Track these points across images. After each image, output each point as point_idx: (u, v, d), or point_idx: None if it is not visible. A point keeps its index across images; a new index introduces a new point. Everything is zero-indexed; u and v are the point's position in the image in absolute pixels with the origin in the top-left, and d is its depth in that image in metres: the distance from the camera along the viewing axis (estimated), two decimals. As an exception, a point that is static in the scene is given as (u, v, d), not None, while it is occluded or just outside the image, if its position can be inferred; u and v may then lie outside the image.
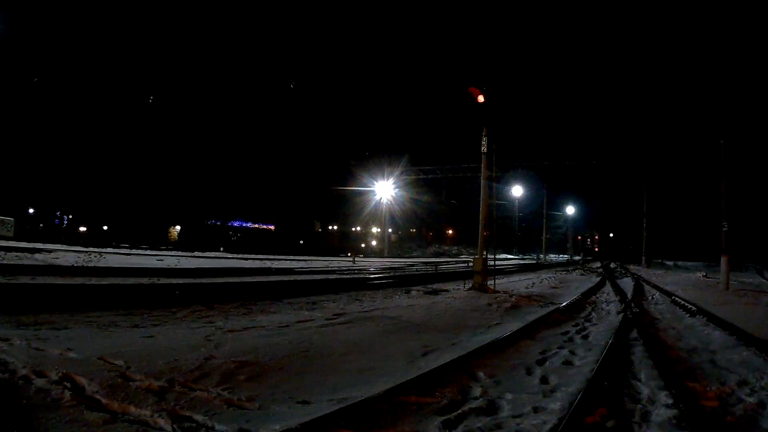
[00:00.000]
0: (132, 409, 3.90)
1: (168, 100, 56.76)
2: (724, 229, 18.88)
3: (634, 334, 7.98)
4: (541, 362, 6.17)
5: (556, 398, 4.59)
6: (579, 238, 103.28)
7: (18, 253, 19.94)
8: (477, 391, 4.84)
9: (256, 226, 69.83)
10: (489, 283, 15.48)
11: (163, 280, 14.35)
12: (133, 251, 32.20)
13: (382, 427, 3.78)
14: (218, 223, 65.87)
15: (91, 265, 18.26)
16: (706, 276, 26.02)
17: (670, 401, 4.40)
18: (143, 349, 5.66)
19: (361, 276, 21.07)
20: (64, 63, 52.07)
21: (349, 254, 43.74)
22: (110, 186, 57.04)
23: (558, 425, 3.78)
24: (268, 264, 26.87)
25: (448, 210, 77.90)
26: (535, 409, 4.30)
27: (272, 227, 70.74)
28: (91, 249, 27.96)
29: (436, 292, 14.18)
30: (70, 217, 64.68)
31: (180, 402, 4.12)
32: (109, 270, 16.45)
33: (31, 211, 60.09)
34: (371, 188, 56.23)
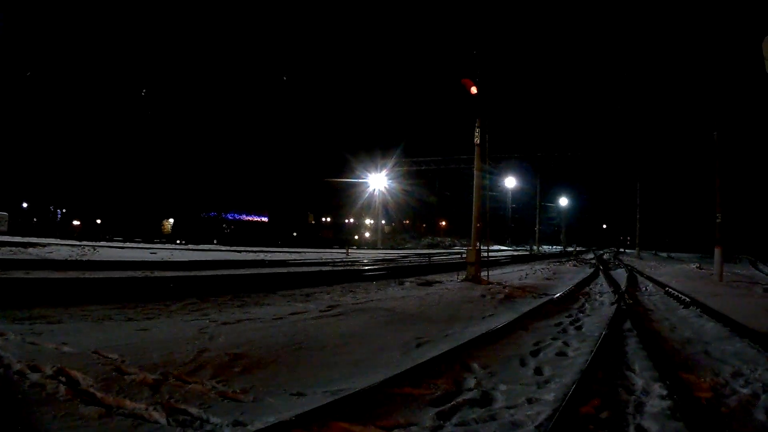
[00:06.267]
0: (127, 402, 3.89)
1: (161, 92, 56.46)
2: (717, 220, 18.97)
3: (628, 325, 8.02)
4: (534, 353, 6.18)
5: (550, 389, 4.61)
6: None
7: (12, 248, 19.91)
8: (471, 382, 4.85)
9: (250, 218, 69.69)
10: (482, 274, 15.51)
11: (157, 273, 14.34)
12: (127, 244, 32.17)
13: (377, 419, 3.79)
14: (212, 216, 65.69)
15: (84, 258, 18.21)
16: (699, 267, 26.12)
17: (665, 392, 4.41)
18: (138, 343, 5.66)
19: (355, 268, 21.07)
20: (56, 56, 51.70)
21: (341, 246, 43.74)
22: (103, 179, 56.77)
23: (552, 416, 3.79)
24: (261, 256, 26.87)
25: (442, 201, 78.08)
26: (529, 400, 4.32)
27: (266, 219, 70.64)
28: (84, 243, 27.91)
29: (429, 284, 14.19)
30: (64, 211, 64.30)
31: (175, 395, 4.12)
32: (102, 264, 16.41)
33: (24, 205, 59.76)
34: (364, 180, 56.27)
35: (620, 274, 21.73)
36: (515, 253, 51.15)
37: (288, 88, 59.81)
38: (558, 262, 33.56)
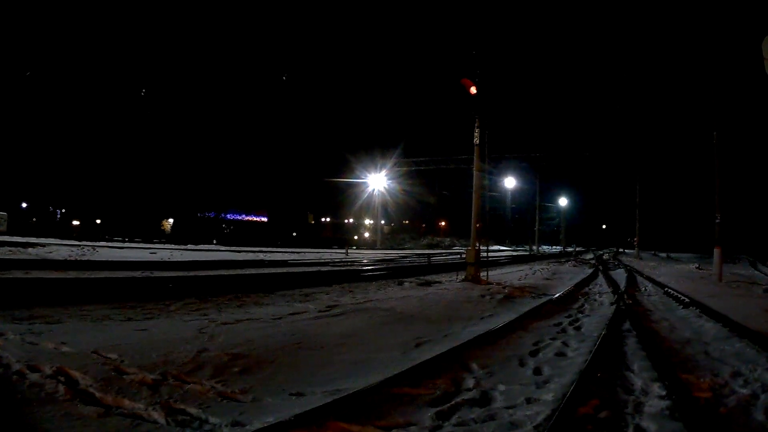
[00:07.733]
0: (126, 402, 3.89)
1: (161, 92, 56.44)
2: (717, 220, 18.97)
3: (627, 325, 8.01)
4: (534, 353, 6.18)
5: (549, 389, 4.60)
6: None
7: (11, 248, 19.90)
8: (470, 382, 4.85)
9: (249, 218, 69.75)
10: (482, 274, 15.51)
11: (157, 273, 14.33)
12: (126, 244, 32.19)
13: (376, 419, 3.79)
14: (211, 216, 65.76)
15: (84, 258, 18.21)
16: (699, 267, 26.12)
17: (663, 392, 4.40)
18: (137, 343, 5.65)
19: (354, 268, 21.07)
20: (56, 56, 51.67)
21: (340, 246, 43.72)
22: (103, 179, 56.76)
23: (551, 416, 3.79)
24: (261, 256, 26.86)
25: (441, 201, 77.97)
26: (528, 400, 4.31)
27: (265, 219, 70.67)
28: (84, 243, 27.87)
29: (429, 284, 14.19)
30: (63, 211, 64.28)
31: (174, 395, 4.12)
32: (102, 263, 16.42)
33: (24, 205, 59.71)
34: (364, 180, 56.22)
35: (619, 275, 21.72)
36: (515, 254, 51.20)
37: (288, 88, 59.79)
38: (557, 262, 33.55)
